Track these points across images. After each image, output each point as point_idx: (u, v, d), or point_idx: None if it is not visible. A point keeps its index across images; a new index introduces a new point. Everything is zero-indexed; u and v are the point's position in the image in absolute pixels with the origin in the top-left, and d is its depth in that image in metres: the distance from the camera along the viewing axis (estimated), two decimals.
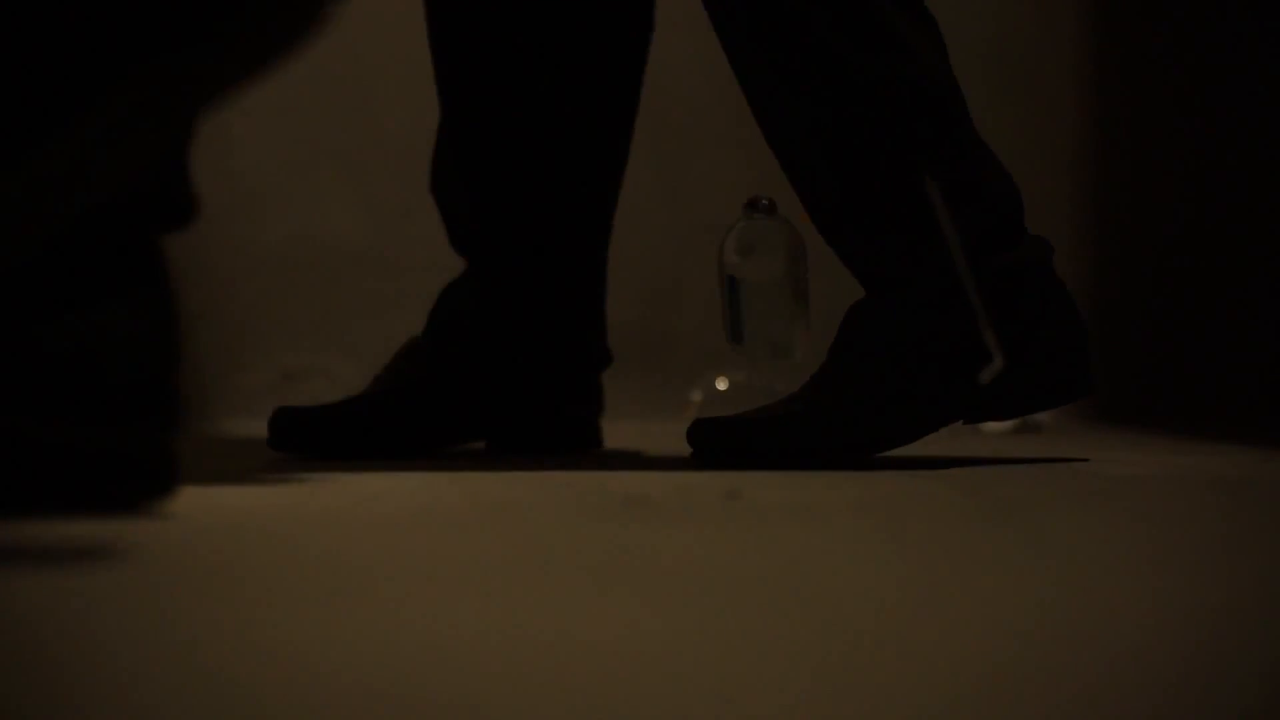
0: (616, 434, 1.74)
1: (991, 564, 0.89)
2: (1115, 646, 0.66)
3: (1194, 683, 0.60)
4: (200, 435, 1.73)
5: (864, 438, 1.42)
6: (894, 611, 0.73)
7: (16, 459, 0.95)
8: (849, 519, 1.09)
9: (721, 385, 2.10)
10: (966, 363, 1.40)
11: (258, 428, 1.58)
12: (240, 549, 0.93)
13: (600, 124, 1.64)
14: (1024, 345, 1.41)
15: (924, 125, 1.40)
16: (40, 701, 0.56)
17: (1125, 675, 0.61)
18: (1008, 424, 1.97)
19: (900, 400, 1.41)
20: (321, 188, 2.39)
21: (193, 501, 1.06)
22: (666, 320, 2.41)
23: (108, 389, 0.96)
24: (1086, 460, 1.51)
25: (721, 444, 1.43)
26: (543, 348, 1.64)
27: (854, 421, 1.41)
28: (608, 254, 1.69)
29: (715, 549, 0.94)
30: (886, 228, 1.41)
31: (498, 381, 1.63)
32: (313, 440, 1.54)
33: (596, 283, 1.67)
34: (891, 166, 1.41)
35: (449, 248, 1.68)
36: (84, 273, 0.97)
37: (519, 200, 1.63)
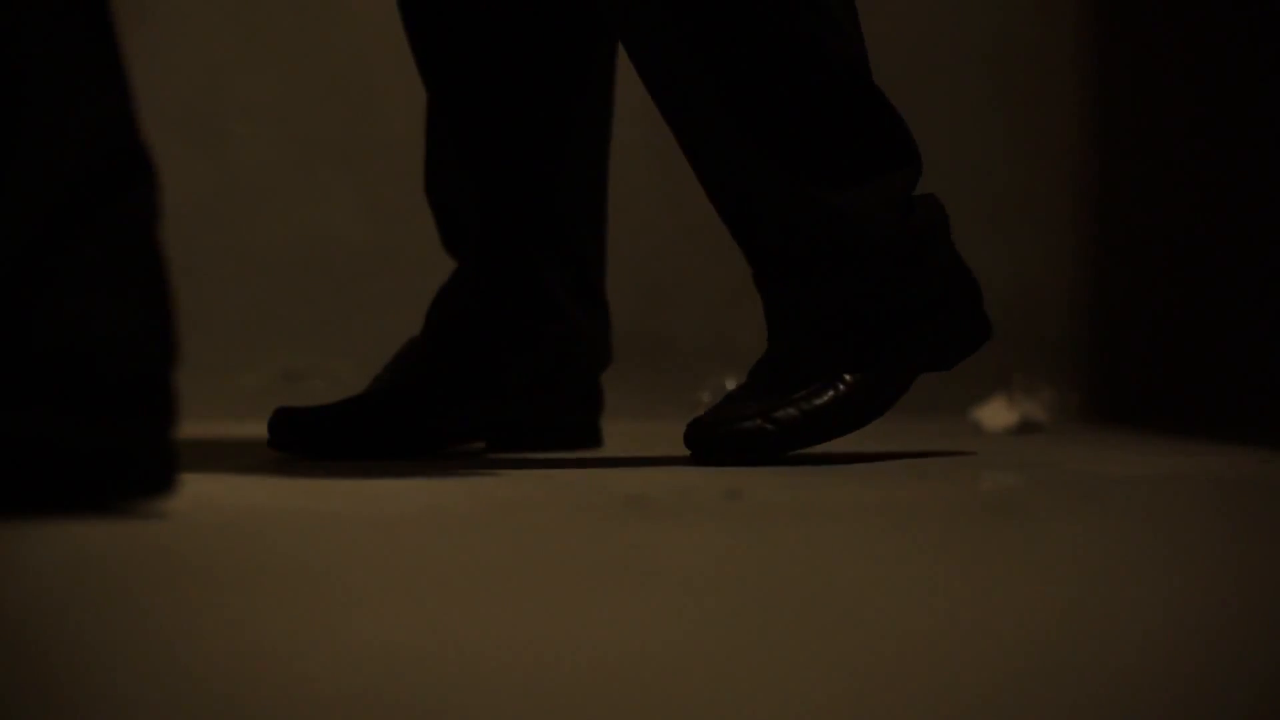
0: (616, 434, 1.74)
1: (993, 564, 0.89)
2: (1116, 647, 0.65)
3: (1195, 683, 0.60)
4: (200, 435, 1.73)
5: (855, 421, 1.45)
6: (896, 611, 0.73)
7: (12, 457, 0.95)
8: (849, 518, 1.09)
9: (730, 386, 2.10)
10: (899, 321, 1.45)
11: (258, 428, 1.58)
12: (239, 549, 0.92)
13: (581, 111, 1.64)
14: (940, 301, 1.47)
15: (839, 98, 1.43)
16: (37, 702, 0.56)
17: (1126, 675, 0.60)
18: (1008, 424, 1.97)
19: (870, 377, 1.45)
20: (321, 188, 2.39)
21: (192, 502, 1.06)
22: (667, 320, 2.41)
23: (104, 383, 0.96)
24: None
25: (720, 445, 1.43)
26: (542, 347, 1.64)
27: (842, 409, 1.44)
28: (606, 252, 1.69)
29: (715, 549, 0.94)
30: (791, 206, 1.43)
31: (497, 381, 1.63)
32: (313, 440, 1.54)
33: (595, 281, 1.67)
34: (801, 139, 1.43)
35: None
36: (74, 258, 0.96)
37: (511, 190, 1.63)
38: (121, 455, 0.97)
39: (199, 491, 1.14)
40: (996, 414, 2.02)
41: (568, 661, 0.62)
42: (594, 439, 1.69)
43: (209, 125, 2.35)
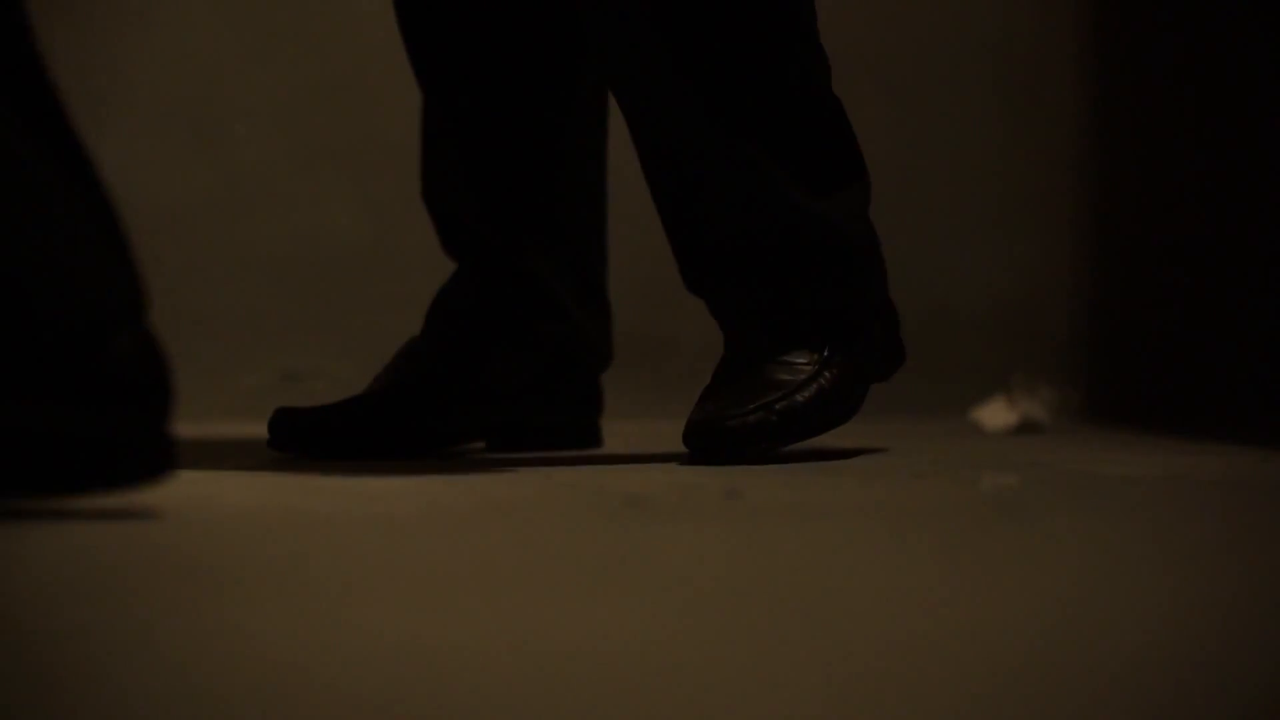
0: (616, 434, 1.74)
1: (992, 564, 0.89)
2: (1116, 647, 0.65)
3: (1195, 683, 0.60)
4: (200, 435, 1.73)
5: (839, 416, 1.49)
6: (895, 611, 0.73)
7: (11, 450, 0.94)
8: (849, 519, 1.09)
9: None
10: (859, 324, 1.50)
11: (258, 428, 1.58)
12: (239, 549, 0.92)
13: (578, 111, 1.64)
14: (878, 313, 1.53)
15: (815, 111, 1.47)
16: (37, 702, 0.56)
17: (1126, 675, 0.60)
18: (1008, 424, 1.97)
19: (845, 375, 1.48)
20: (321, 188, 2.39)
21: (191, 502, 1.06)
22: (666, 320, 2.41)
23: (94, 365, 0.95)
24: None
25: (725, 440, 1.43)
26: (542, 348, 1.64)
27: (829, 404, 1.46)
28: (607, 252, 1.69)
29: (715, 549, 0.94)
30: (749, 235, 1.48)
31: (497, 382, 1.63)
32: (313, 440, 1.54)
33: (596, 280, 1.67)
34: (785, 148, 1.46)
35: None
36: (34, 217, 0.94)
37: (508, 191, 1.63)
38: (119, 442, 0.96)
39: (199, 491, 1.14)
40: (996, 414, 2.02)
41: (567, 661, 0.62)
42: (594, 439, 1.69)
43: (209, 125, 2.35)
